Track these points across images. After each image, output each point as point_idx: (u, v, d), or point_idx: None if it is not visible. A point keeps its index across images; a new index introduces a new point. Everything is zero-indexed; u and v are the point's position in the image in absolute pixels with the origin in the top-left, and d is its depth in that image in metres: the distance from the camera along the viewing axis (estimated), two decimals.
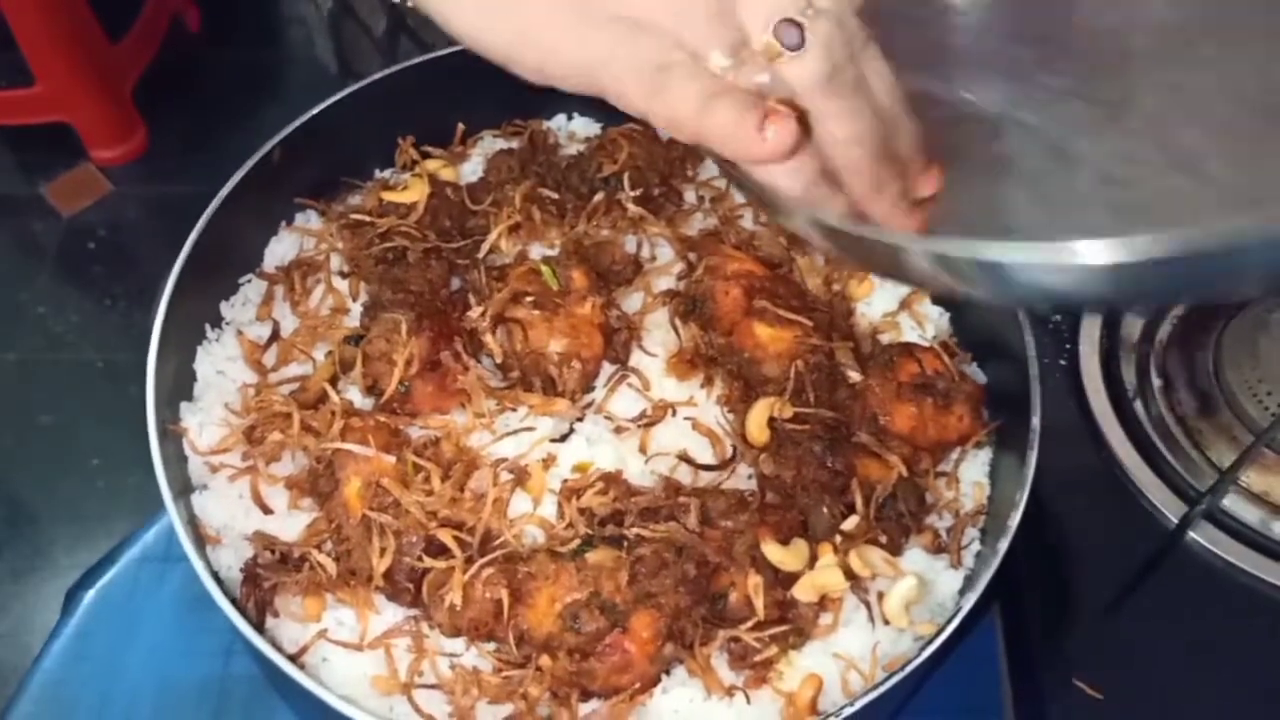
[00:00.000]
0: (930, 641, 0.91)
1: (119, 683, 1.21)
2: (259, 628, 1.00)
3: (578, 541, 1.01)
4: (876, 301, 1.26)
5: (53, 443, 1.41)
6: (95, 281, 1.63)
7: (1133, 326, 1.27)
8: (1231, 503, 1.13)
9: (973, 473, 1.14)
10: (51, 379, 1.49)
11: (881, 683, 0.89)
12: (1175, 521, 1.11)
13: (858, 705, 0.87)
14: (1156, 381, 1.23)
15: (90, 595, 1.28)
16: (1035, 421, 1.04)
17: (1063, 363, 1.25)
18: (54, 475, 1.38)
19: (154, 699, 1.20)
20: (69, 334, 1.53)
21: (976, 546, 1.09)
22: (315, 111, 1.27)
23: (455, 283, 1.24)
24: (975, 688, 1.16)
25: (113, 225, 1.66)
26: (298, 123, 1.26)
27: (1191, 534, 1.11)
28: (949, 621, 0.92)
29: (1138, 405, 1.21)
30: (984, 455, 1.16)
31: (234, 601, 1.01)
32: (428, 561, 1.00)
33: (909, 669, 0.89)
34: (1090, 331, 1.27)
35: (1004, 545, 0.97)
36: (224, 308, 1.23)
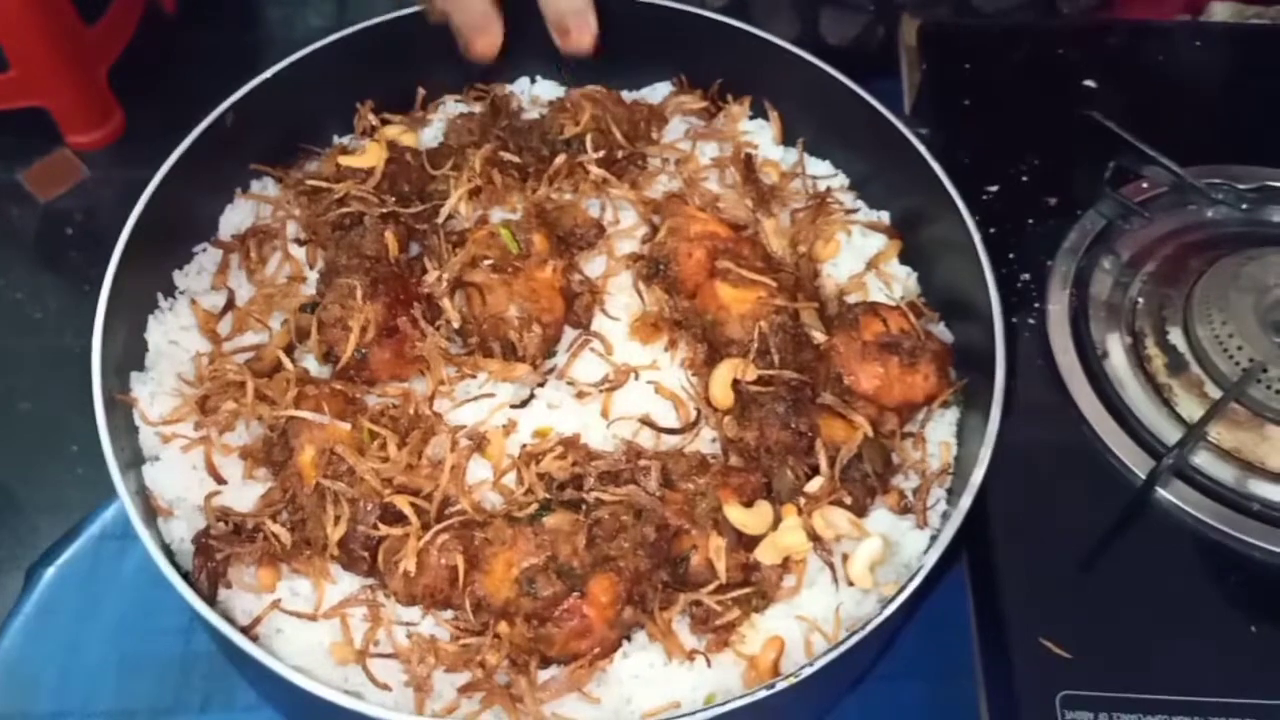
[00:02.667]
0: (893, 599, 0.90)
1: (80, 660, 1.20)
2: (211, 600, 0.98)
3: (535, 506, 0.99)
4: (843, 262, 1.25)
5: (32, 429, 1.39)
6: (73, 267, 1.61)
7: (1102, 284, 1.25)
8: (1202, 460, 1.12)
9: (940, 433, 1.13)
10: (30, 366, 1.47)
11: (842, 642, 0.88)
12: (1144, 478, 1.09)
13: (817, 665, 0.86)
14: (1125, 339, 1.21)
15: (50, 572, 1.26)
16: (1000, 379, 1.03)
17: (1031, 322, 1.23)
18: (34, 462, 1.36)
19: (115, 675, 1.19)
20: (47, 320, 1.51)
21: (943, 507, 1.08)
22: (269, 75, 1.24)
23: (414, 249, 1.21)
24: (944, 648, 1.15)
25: (90, 210, 1.63)
26: (250, 86, 1.23)
27: (1161, 491, 1.09)
28: (911, 578, 0.91)
29: (1106, 363, 1.19)
30: (951, 415, 1.14)
31: (186, 575, 0.99)
32: (383, 529, 0.98)
33: (870, 628, 0.88)
34: (1059, 290, 1.25)
35: (968, 502, 0.96)
36: (177, 276, 1.21)
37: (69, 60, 1.66)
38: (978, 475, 0.97)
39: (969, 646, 1.14)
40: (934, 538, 1.05)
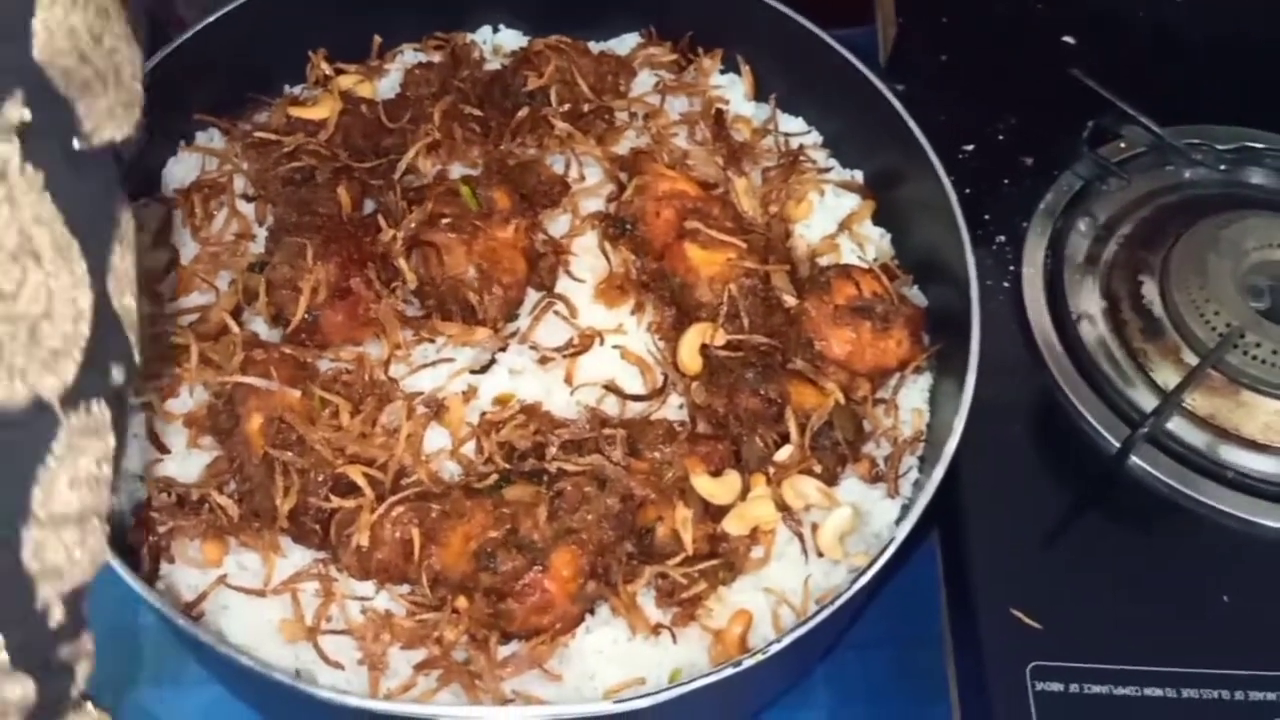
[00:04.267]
0: (863, 573, 0.87)
1: None
2: (153, 576, 0.94)
3: (495, 477, 0.95)
4: (816, 223, 1.21)
5: None
6: None
7: (1078, 247, 1.23)
8: (1176, 426, 1.10)
9: (912, 399, 1.10)
10: None
11: (812, 617, 0.85)
12: (1118, 446, 1.08)
13: (785, 641, 0.83)
14: (1101, 303, 1.18)
15: None
16: (974, 345, 1.00)
17: (1006, 285, 1.20)
18: None
19: None
20: None
21: (915, 475, 1.05)
22: (214, 18, 1.17)
23: (369, 206, 1.16)
24: (914, 619, 1.13)
25: None
26: (194, 29, 1.16)
27: (1135, 459, 1.07)
28: (882, 552, 0.88)
29: (1082, 327, 1.16)
30: (924, 381, 1.11)
31: (129, 548, 0.94)
32: (335, 501, 0.94)
33: (840, 602, 0.85)
34: (1034, 253, 1.22)
35: (940, 473, 0.93)
36: None
37: None
38: (951, 445, 0.94)
39: (938, 616, 1.12)
40: (905, 507, 1.02)
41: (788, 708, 1.10)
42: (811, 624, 0.84)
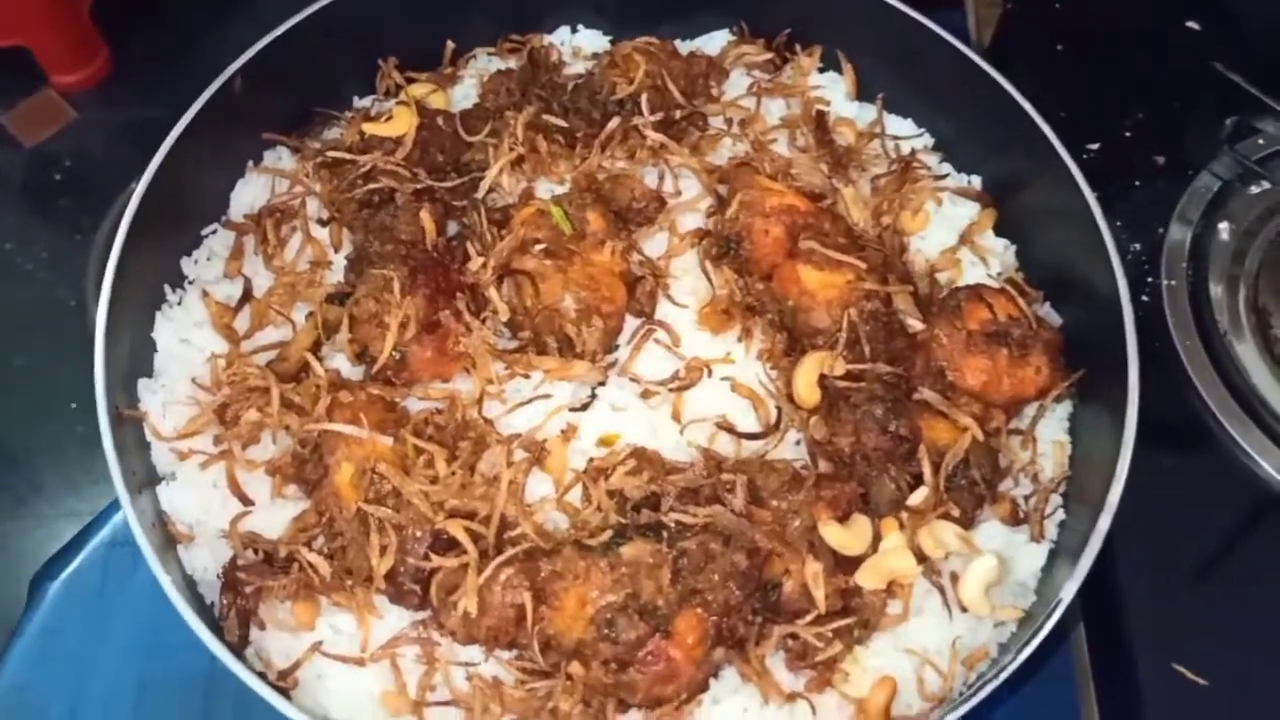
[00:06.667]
0: (1029, 641, 0.78)
1: (93, 683, 1.08)
2: (242, 644, 0.86)
3: (609, 532, 0.87)
4: (932, 235, 1.11)
5: (29, 386, 1.31)
6: (63, 215, 1.51)
7: (1220, 254, 1.11)
8: None
9: (1051, 430, 1.00)
10: (23, 319, 1.38)
11: (974, 693, 0.76)
12: None
13: None
14: (1249, 318, 1.08)
15: (56, 586, 1.15)
16: (1134, 376, 0.90)
17: (1145, 298, 1.11)
18: (32, 419, 1.28)
19: (132, 701, 1.07)
20: (39, 271, 1.41)
21: (1060, 515, 0.96)
22: (281, 31, 1.10)
23: (451, 228, 1.08)
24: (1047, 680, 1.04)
25: (78, 154, 1.52)
26: (260, 45, 1.08)
27: None
28: (1049, 615, 0.79)
29: (1230, 345, 1.06)
30: (1062, 410, 1.02)
31: (211, 610, 0.87)
32: (436, 560, 0.86)
33: (1002, 676, 0.76)
34: (1174, 263, 1.12)
35: (1106, 523, 0.84)
36: (185, 264, 1.07)
37: None
38: (1115, 493, 0.85)
39: (1069, 664, 1.02)
40: (1053, 552, 0.93)
41: None
42: (974, 700, 0.75)
